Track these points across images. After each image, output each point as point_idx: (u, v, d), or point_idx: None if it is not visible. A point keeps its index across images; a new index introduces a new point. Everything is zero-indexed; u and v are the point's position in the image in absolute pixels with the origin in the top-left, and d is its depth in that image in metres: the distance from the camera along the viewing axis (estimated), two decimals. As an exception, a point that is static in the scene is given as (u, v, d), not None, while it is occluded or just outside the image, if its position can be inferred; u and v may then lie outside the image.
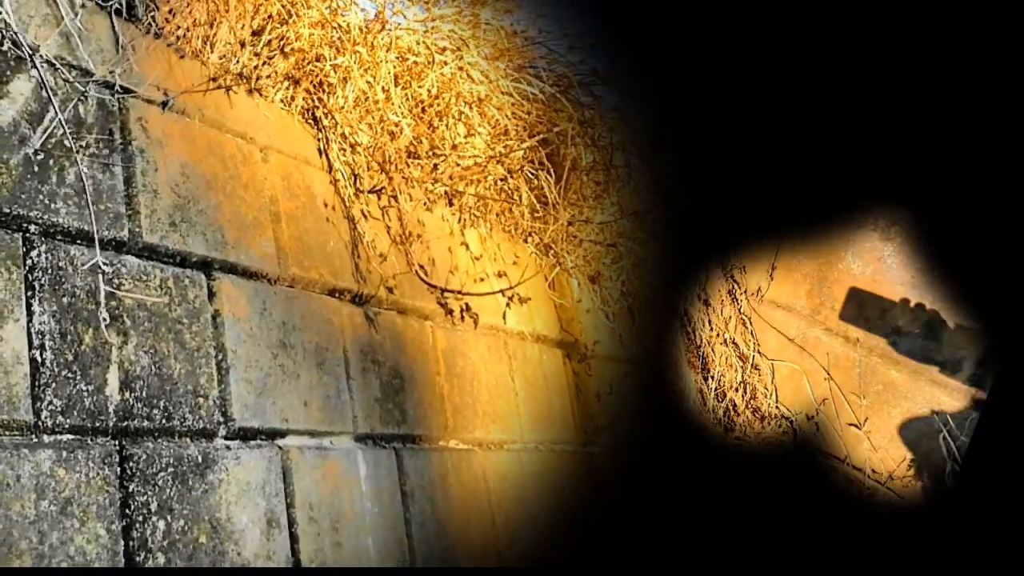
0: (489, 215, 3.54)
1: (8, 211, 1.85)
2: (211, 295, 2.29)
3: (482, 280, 3.43)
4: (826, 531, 3.88)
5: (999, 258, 3.61)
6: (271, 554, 2.22)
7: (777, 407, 4.10)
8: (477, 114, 3.29)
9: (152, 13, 2.26)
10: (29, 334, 1.84)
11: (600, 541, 3.66)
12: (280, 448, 2.36)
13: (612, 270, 4.22)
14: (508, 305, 3.52)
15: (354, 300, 2.80)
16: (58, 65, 2.03)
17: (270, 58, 2.60)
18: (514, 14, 3.59)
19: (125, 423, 1.98)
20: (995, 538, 3.24)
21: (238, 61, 2.49)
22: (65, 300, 1.92)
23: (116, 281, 2.04)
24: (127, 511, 1.92)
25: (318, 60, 2.73)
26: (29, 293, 1.86)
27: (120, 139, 2.15)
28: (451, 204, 3.37)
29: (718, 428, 4.27)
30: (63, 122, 1.99)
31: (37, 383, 1.82)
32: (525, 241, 3.79)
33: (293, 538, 2.31)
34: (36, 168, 1.93)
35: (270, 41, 2.58)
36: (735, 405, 4.22)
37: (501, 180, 3.49)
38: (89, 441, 1.90)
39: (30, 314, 1.85)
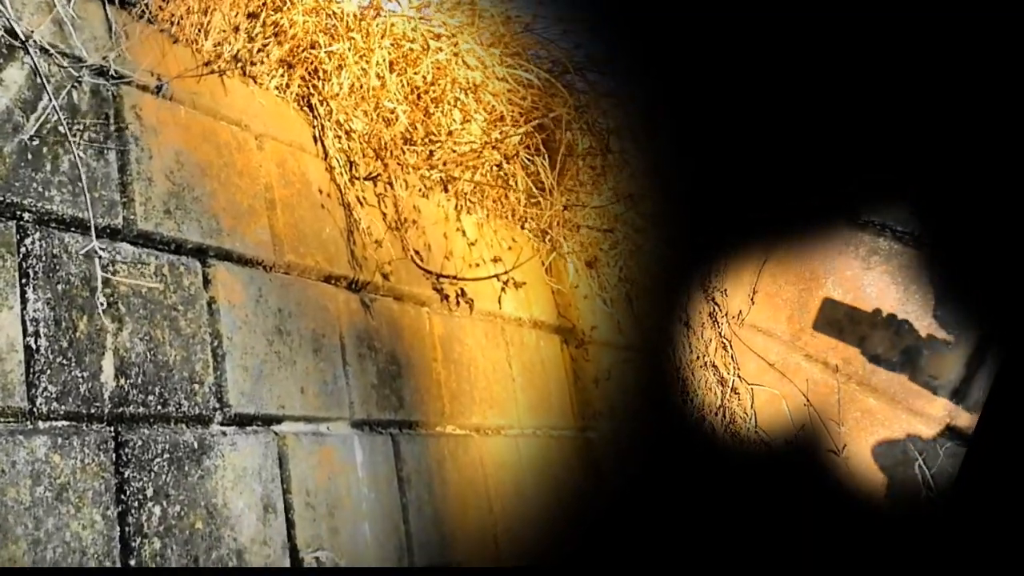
0: (485, 201, 3.54)
1: (2, 199, 1.86)
2: (206, 282, 2.30)
3: (478, 266, 3.43)
4: (818, 524, 3.90)
5: (991, 270, 3.62)
6: (267, 539, 2.23)
7: (756, 431, 4.12)
8: (473, 100, 3.28)
9: (146, 0, 2.25)
10: (23, 321, 1.84)
11: (598, 526, 3.67)
12: (276, 434, 2.37)
13: (609, 255, 4.23)
14: (504, 290, 3.52)
15: (350, 287, 2.80)
16: (51, 52, 2.03)
17: (264, 45, 2.60)
18: (511, 1, 3.58)
19: (120, 409, 1.99)
20: (995, 538, 3.25)
21: (232, 48, 2.49)
22: (60, 287, 1.93)
23: (111, 268, 2.04)
24: (123, 497, 1.93)
25: (313, 47, 2.73)
26: (23, 280, 1.87)
27: (114, 127, 2.15)
28: (447, 190, 3.37)
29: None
30: (57, 109, 1.99)
31: (32, 370, 1.83)
32: (522, 227, 3.79)
33: (289, 524, 2.33)
34: (30, 156, 1.93)
35: (264, 28, 2.57)
36: (714, 429, 4.24)
37: (497, 166, 3.49)
38: (84, 427, 1.91)
39: (24, 301, 1.85)
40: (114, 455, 1.95)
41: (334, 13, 2.75)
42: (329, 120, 2.83)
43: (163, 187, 2.23)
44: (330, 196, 2.81)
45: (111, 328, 2.01)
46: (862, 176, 4.04)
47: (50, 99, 1.98)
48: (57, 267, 1.94)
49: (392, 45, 2.97)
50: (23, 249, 1.88)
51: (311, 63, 2.75)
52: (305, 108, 2.81)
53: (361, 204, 2.93)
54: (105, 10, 2.19)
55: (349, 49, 2.78)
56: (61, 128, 2.00)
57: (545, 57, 3.63)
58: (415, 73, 3.03)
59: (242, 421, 2.28)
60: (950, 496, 3.60)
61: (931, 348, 3.67)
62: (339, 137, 2.86)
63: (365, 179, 2.94)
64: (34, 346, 1.85)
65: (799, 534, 3.92)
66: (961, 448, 3.54)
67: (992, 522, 3.33)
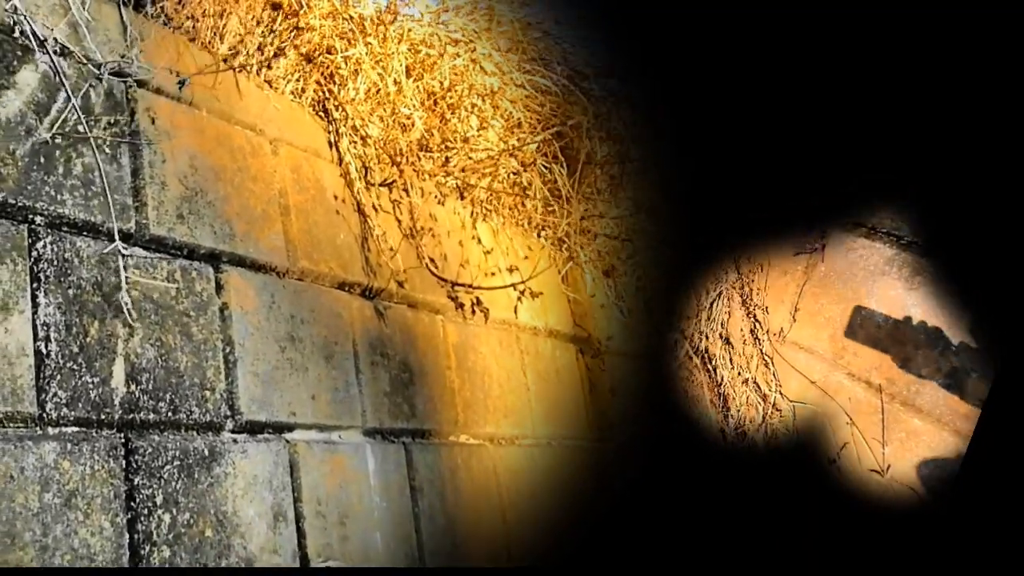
0: (501, 209, 3.52)
1: (14, 202, 1.85)
2: (219, 288, 2.28)
3: (494, 274, 3.40)
4: (831, 531, 3.85)
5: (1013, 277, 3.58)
6: (277, 548, 2.21)
7: (797, 449, 4.07)
8: (490, 107, 3.26)
9: (161, 3, 2.24)
10: (34, 326, 1.83)
11: (612, 539, 3.63)
12: (287, 442, 2.35)
13: (627, 264, 4.19)
14: (520, 299, 3.49)
15: (364, 294, 2.78)
16: (66, 55, 2.02)
17: (280, 49, 2.58)
18: (530, 6, 3.56)
19: (131, 415, 1.97)
20: (995, 538, 3.21)
21: (248, 52, 2.48)
22: (71, 292, 1.91)
23: (123, 272, 2.03)
24: (132, 504, 1.91)
25: (329, 52, 2.71)
26: (34, 284, 1.85)
27: (128, 130, 2.14)
28: (463, 197, 3.35)
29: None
30: (75, 110, 1.98)
31: (42, 375, 1.82)
32: (538, 235, 3.77)
33: (300, 532, 2.30)
34: (42, 159, 1.92)
35: (280, 32, 2.56)
36: (747, 442, 4.20)
37: (514, 173, 3.46)
38: (94, 433, 1.89)
39: (35, 306, 1.84)
40: (124, 462, 1.93)
41: (351, 17, 2.73)
42: (345, 125, 2.81)
43: (176, 191, 2.21)
44: (345, 202, 2.79)
45: (122, 333, 1.99)
46: (862, 176, 4.02)
47: (62, 103, 1.97)
48: (69, 271, 1.92)
49: (409, 50, 2.95)
50: (35, 253, 1.87)
51: (327, 67, 2.73)
52: (320, 113, 2.80)
53: (376, 211, 2.90)
54: (120, 13, 2.18)
55: (366, 54, 2.77)
56: (73, 132, 1.98)
57: (563, 63, 3.61)
58: (432, 78, 3.01)
59: (253, 428, 2.26)
60: (950, 496, 3.56)
61: (979, 370, 3.61)
62: (354, 143, 2.84)
63: (380, 185, 2.92)
64: (44, 351, 1.83)
65: (807, 536, 3.88)
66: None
67: (992, 522, 3.28)
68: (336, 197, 2.77)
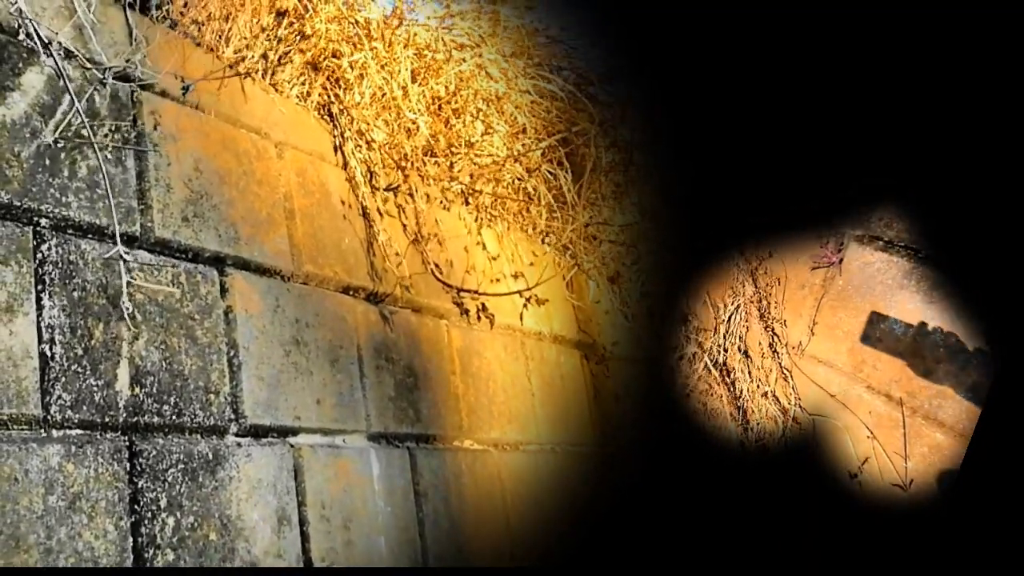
0: (507, 214, 3.51)
1: (19, 204, 1.84)
2: (223, 291, 2.28)
3: (499, 280, 3.40)
4: (848, 543, 3.83)
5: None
6: (281, 552, 2.20)
7: (815, 459, 4.06)
8: (495, 112, 3.26)
9: (166, 7, 2.24)
10: (39, 328, 1.82)
11: (617, 545, 3.62)
12: (292, 446, 2.34)
13: (631, 271, 4.18)
14: (526, 306, 3.49)
15: (369, 298, 2.78)
16: (71, 58, 2.02)
17: (286, 53, 2.58)
18: (536, 11, 3.56)
19: (135, 419, 1.96)
20: (995, 538, 3.19)
21: (253, 56, 2.48)
22: (76, 294, 1.91)
23: (128, 275, 2.02)
24: (136, 507, 1.91)
25: (335, 56, 2.71)
26: (39, 287, 1.85)
27: (133, 133, 2.14)
28: (468, 203, 3.34)
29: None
30: (79, 113, 1.98)
31: (46, 377, 1.81)
32: (543, 241, 3.76)
33: (304, 536, 2.29)
34: (47, 161, 1.92)
35: (286, 36, 2.56)
36: (760, 450, 4.19)
37: (519, 179, 3.46)
38: (98, 436, 1.89)
39: (40, 308, 1.84)
40: (128, 465, 1.93)
41: (356, 22, 2.73)
42: (350, 130, 2.81)
43: (181, 194, 2.21)
44: (350, 206, 2.79)
45: (127, 336, 1.99)
46: (864, 180, 4.01)
47: (68, 105, 1.97)
48: (73, 274, 1.92)
49: (415, 55, 2.95)
50: (39, 255, 1.87)
51: (333, 72, 2.73)
52: (326, 117, 2.80)
53: (381, 215, 2.90)
54: (126, 16, 2.18)
55: (371, 58, 2.77)
56: (79, 134, 1.98)
57: (569, 69, 3.60)
58: (437, 83, 3.01)
59: (257, 432, 2.25)
60: (950, 497, 3.54)
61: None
62: (360, 147, 2.84)
63: (385, 190, 2.92)
64: (49, 353, 1.83)
65: (812, 542, 3.86)
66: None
67: (992, 522, 3.27)
68: (342, 202, 2.77)
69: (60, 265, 1.90)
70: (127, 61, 2.11)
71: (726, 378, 4.28)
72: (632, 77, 3.85)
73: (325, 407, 2.47)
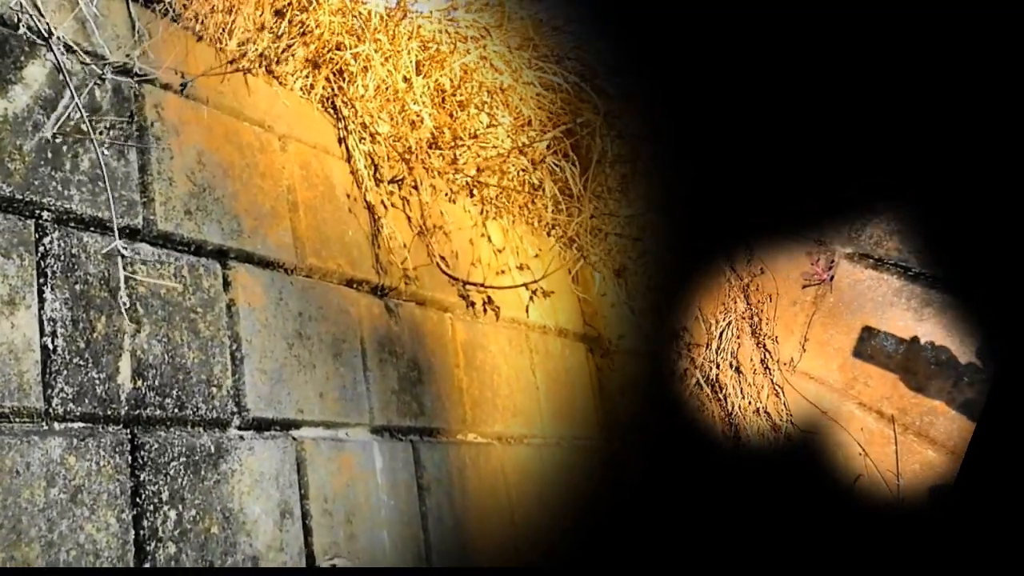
0: (512, 207, 3.50)
1: (21, 197, 1.84)
2: (226, 284, 2.27)
3: (504, 273, 3.39)
4: (828, 550, 3.83)
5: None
6: (284, 545, 2.20)
7: (806, 478, 4.06)
8: (500, 104, 3.25)
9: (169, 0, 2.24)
10: (41, 321, 1.82)
11: (621, 538, 3.61)
12: (295, 439, 2.34)
13: (638, 264, 4.17)
14: (531, 298, 3.48)
15: (373, 291, 2.77)
16: (73, 50, 2.01)
17: (289, 45, 2.58)
18: (542, 2, 3.55)
19: (137, 411, 1.96)
20: (995, 538, 3.18)
21: (256, 49, 2.47)
22: (78, 287, 1.91)
23: (130, 269, 2.02)
24: (138, 500, 1.91)
25: (338, 48, 2.71)
26: (41, 280, 1.85)
27: (135, 125, 2.13)
28: (473, 195, 3.33)
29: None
30: (78, 108, 1.97)
31: (48, 370, 1.81)
32: (548, 234, 3.75)
33: (306, 530, 2.29)
34: (50, 154, 1.92)
35: (289, 28, 2.55)
36: (750, 453, 4.19)
37: (524, 171, 3.45)
38: (100, 429, 1.89)
39: (42, 301, 1.84)
40: (130, 457, 1.93)
41: (360, 14, 2.72)
42: (354, 122, 2.80)
43: (184, 187, 2.20)
44: (354, 199, 2.78)
45: (129, 329, 1.99)
46: (862, 180, 4.00)
47: (71, 98, 1.97)
48: (75, 267, 1.92)
49: (419, 47, 2.94)
50: (41, 248, 1.87)
51: (336, 64, 2.73)
52: (330, 110, 2.79)
53: (385, 208, 2.89)
54: (128, 8, 2.17)
55: (375, 50, 2.76)
56: (81, 127, 1.98)
57: (575, 60, 3.59)
58: (442, 75, 3.00)
59: (260, 425, 2.25)
60: (951, 499, 3.53)
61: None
62: (364, 139, 2.83)
63: (390, 182, 2.91)
64: (51, 346, 1.83)
65: (810, 537, 3.86)
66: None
67: (992, 523, 3.26)
68: (346, 194, 2.76)
69: (62, 258, 1.90)
70: (127, 56, 2.10)
71: (718, 395, 4.28)
72: (636, 69, 3.83)
73: (328, 400, 2.47)
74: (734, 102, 4.16)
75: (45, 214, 1.90)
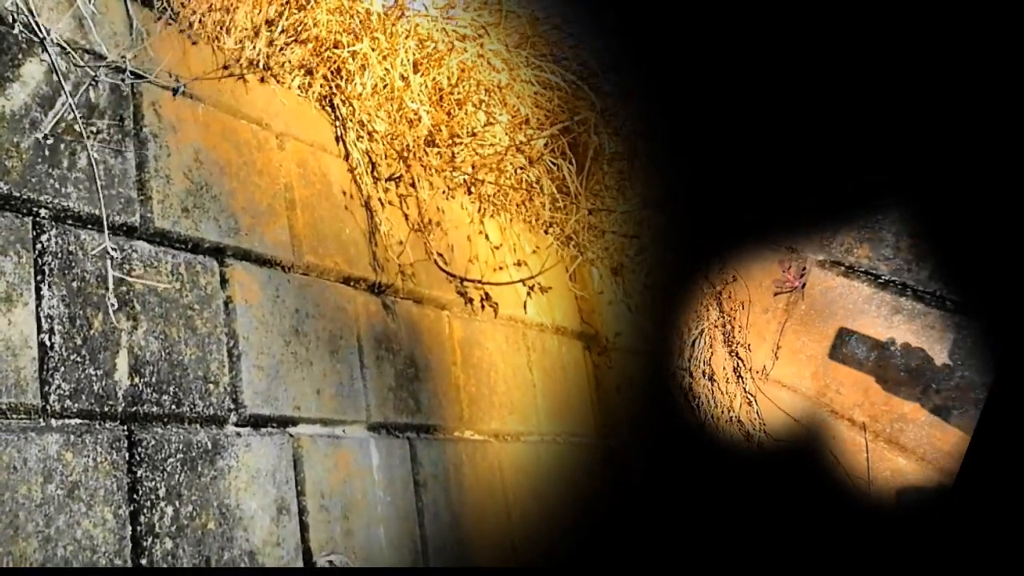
0: (509, 205, 3.51)
1: (18, 195, 1.85)
2: (223, 281, 2.29)
3: (501, 269, 3.40)
4: (833, 530, 3.85)
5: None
6: (280, 541, 2.21)
7: (779, 485, 4.07)
8: (497, 102, 3.25)
9: (167, -3, 2.25)
10: (38, 318, 1.83)
11: (618, 535, 3.63)
12: (291, 436, 2.35)
13: (635, 262, 4.18)
14: (529, 295, 3.49)
15: (370, 288, 2.78)
16: (70, 49, 2.02)
17: (287, 44, 2.58)
18: (539, 1, 3.55)
19: (134, 408, 1.97)
20: (995, 538, 3.19)
21: (254, 47, 2.48)
22: (75, 285, 1.92)
23: (127, 266, 2.03)
24: (135, 496, 1.92)
25: (336, 47, 2.71)
26: (39, 277, 1.86)
27: (132, 124, 2.14)
28: (470, 193, 3.34)
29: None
30: (75, 106, 1.98)
31: (45, 367, 1.82)
32: (546, 231, 3.76)
33: (303, 526, 2.31)
34: (47, 152, 1.93)
35: (287, 27, 2.56)
36: (736, 453, 4.21)
37: (521, 169, 3.45)
38: (97, 426, 1.90)
39: (39, 298, 1.85)
40: (127, 454, 1.94)
41: (358, 12, 2.73)
42: (351, 120, 2.81)
43: (181, 185, 2.21)
44: (351, 197, 2.79)
45: (126, 326, 2.00)
46: (858, 177, 4.00)
47: (68, 96, 1.98)
48: (73, 264, 1.93)
49: (416, 45, 2.95)
50: (39, 246, 1.88)
51: (334, 62, 2.73)
52: (327, 108, 2.80)
53: (383, 205, 2.90)
54: (126, 6, 2.18)
55: (373, 49, 2.76)
56: (78, 125, 1.99)
57: (573, 59, 3.59)
58: (439, 73, 3.01)
59: (257, 422, 2.26)
60: (950, 497, 3.54)
61: (961, 406, 3.60)
62: (361, 137, 2.84)
63: (387, 180, 2.92)
64: (48, 343, 1.84)
65: (809, 534, 3.88)
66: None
67: (992, 523, 3.27)
68: (343, 192, 2.77)
69: (59, 255, 1.91)
70: (126, 52, 2.11)
71: (691, 403, 4.29)
72: (634, 67, 3.84)
73: (325, 397, 2.48)
74: (726, 99, 4.17)
75: (42, 212, 1.90)
